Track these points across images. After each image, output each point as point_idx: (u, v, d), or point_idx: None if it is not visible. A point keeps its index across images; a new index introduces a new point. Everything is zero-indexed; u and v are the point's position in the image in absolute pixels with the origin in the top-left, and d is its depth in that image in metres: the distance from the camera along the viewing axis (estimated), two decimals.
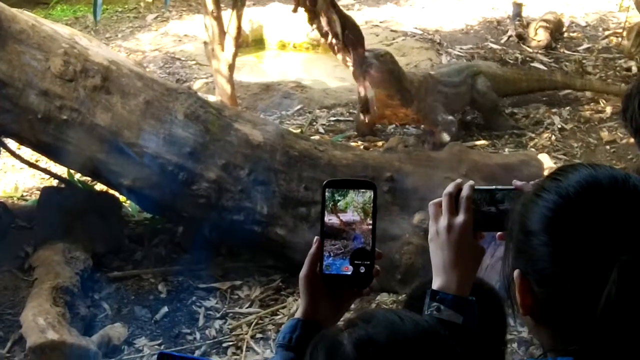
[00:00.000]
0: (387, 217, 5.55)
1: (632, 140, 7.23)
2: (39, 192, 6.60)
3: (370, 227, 1.98)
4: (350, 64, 6.83)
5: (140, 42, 9.92)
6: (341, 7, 6.97)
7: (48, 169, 6.50)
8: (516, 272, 1.73)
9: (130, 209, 6.24)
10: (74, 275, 5.25)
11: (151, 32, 10.33)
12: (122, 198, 6.04)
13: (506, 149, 7.30)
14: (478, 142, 7.48)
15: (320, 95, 8.39)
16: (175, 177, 5.41)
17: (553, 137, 7.54)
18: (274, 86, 8.45)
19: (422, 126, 7.55)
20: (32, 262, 5.43)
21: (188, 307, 5.44)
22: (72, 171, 6.19)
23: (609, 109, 7.97)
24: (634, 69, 8.85)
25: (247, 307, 5.46)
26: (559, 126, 7.73)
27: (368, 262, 1.98)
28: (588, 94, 8.31)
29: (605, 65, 9.03)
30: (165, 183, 5.43)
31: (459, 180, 2.10)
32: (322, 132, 7.70)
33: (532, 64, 9.10)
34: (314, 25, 6.60)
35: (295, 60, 10.15)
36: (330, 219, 1.99)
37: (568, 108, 8.07)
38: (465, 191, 2.04)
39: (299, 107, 8.18)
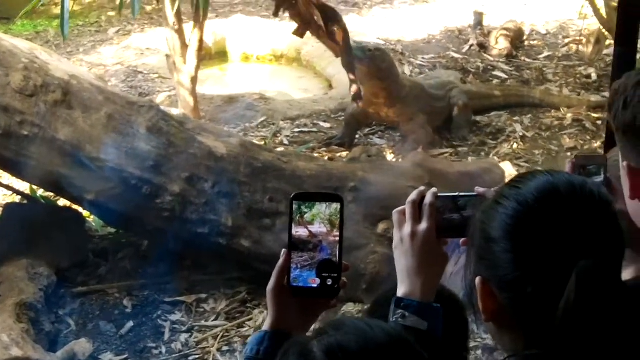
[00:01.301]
0: (351, 226, 5.56)
1: (593, 145, 7.36)
2: (1, 209, 6.56)
3: (337, 238, 2.00)
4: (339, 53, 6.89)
5: (102, 56, 9.88)
6: None
7: (10, 185, 6.45)
8: (478, 279, 1.76)
9: (94, 224, 6.20)
10: (37, 291, 5.21)
11: (113, 45, 10.29)
12: (85, 213, 6.01)
13: (469, 158, 7.35)
14: (441, 151, 7.52)
15: (283, 107, 8.39)
16: (139, 191, 5.39)
17: (515, 145, 7.60)
18: (237, 98, 8.43)
19: (401, 129, 7.60)
20: None
21: (153, 321, 5.41)
22: (34, 187, 6.14)
23: (569, 116, 8.06)
24: (594, 76, 8.94)
25: (213, 320, 5.44)
26: (521, 134, 7.80)
27: (335, 275, 1.99)
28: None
29: (566, 72, 9.12)
30: (129, 197, 5.41)
31: (422, 188, 2.13)
32: (286, 143, 7.71)
33: (494, 73, 9.17)
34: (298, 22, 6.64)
35: (258, 72, 10.16)
36: (297, 231, 2.01)
37: (529, 116, 8.14)
38: (428, 198, 2.07)
39: (262, 118, 8.18)
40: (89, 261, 5.83)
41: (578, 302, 1.60)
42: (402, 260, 2.07)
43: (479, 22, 10.24)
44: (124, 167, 5.38)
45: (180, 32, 6.90)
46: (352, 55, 6.87)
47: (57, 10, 11.52)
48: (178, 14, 6.82)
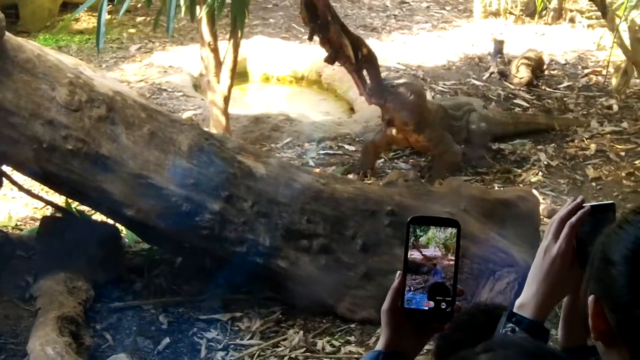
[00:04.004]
0: (387, 250, 5.60)
1: (619, 175, 7.42)
2: (32, 222, 6.59)
3: (452, 262, 2.04)
4: (365, 87, 6.94)
5: (125, 73, 9.90)
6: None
7: (41, 197, 6.46)
8: (591, 298, 1.81)
9: (127, 240, 6.22)
10: (77, 305, 5.23)
11: (135, 62, 10.32)
12: (120, 228, 6.04)
13: (495, 185, 7.39)
14: (466, 178, 7.55)
15: (308, 129, 8.42)
16: (178, 208, 5.42)
17: (540, 174, 7.65)
18: (263, 118, 8.46)
19: (432, 152, 7.67)
20: (33, 291, 5.39)
21: (190, 338, 5.44)
22: (69, 200, 6.16)
23: (593, 147, 8.11)
24: (615, 107, 9.01)
25: (248, 339, 5.46)
26: (545, 163, 7.84)
27: (449, 298, 2.03)
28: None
29: (587, 103, 9.18)
30: (168, 214, 5.43)
31: (575, 202, 2.12)
32: (311, 165, 7.73)
33: (515, 101, 9.22)
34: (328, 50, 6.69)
35: (278, 93, 10.20)
36: (412, 254, 2.05)
37: (553, 145, 8.19)
38: (573, 218, 2.08)
39: (288, 139, 8.21)
40: (124, 277, 5.84)
41: None
42: (533, 270, 2.12)
43: (499, 50, 10.32)
44: (165, 184, 5.41)
45: (215, 51, 6.95)
46: (384, 91, 6.93)
47: (77, 26, 11.61)
48: (214, 33, 6.88)
